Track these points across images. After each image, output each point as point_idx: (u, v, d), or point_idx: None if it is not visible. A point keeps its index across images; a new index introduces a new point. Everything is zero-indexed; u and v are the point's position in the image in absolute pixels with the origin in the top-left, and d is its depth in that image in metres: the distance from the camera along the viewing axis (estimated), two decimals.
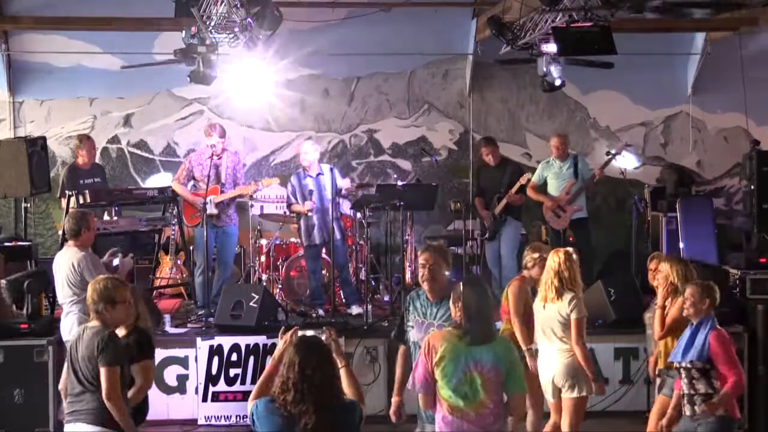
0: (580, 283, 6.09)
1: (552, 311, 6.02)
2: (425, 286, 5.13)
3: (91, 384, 4.94)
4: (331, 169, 8.95)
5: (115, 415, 4.90)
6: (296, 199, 8.78)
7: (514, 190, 9.11)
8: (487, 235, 9.31)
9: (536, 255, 6.40)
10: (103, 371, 4.88)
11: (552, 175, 9.41)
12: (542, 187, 9.48)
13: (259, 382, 4.25)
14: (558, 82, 9.10)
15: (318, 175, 8.76)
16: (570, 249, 6.19)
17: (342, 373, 4.16)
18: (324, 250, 8.87)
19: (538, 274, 6.29)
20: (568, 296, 6.00)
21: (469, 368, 4.51)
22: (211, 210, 8.68)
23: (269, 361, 4.30)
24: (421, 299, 5.21)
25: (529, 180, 9.16)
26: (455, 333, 4.58)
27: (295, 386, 3.86)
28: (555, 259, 6.07)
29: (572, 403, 6.04)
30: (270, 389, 4.08)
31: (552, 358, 6.05)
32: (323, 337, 4.24)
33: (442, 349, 4.54)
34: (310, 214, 8.65)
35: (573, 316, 5.94)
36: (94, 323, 5.04)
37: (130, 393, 5.16)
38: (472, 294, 4.57)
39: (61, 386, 5.27)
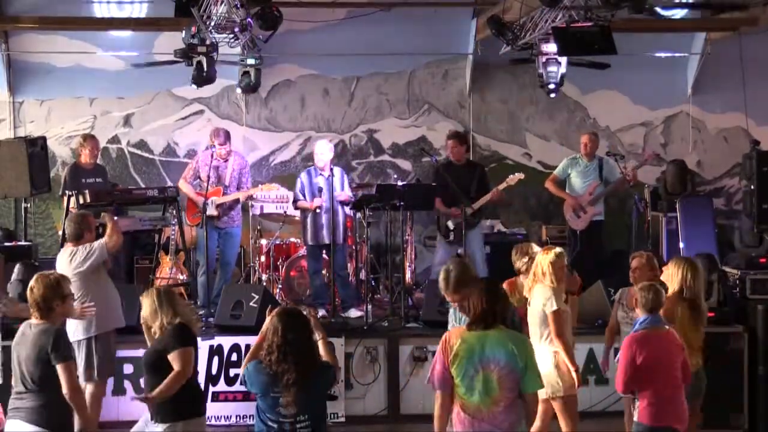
0: (554, 282, 5.96)
1: (532, 308, 6.01)
2: (463, 314, 5.06)
3: (35, 383, 4.93)
4: (342, 172, 8.98)
5: (77, 410, 4.93)
6: (304, 196, 8.78)
7: (501, 187, 8.92)
8: (451, 237, 8.99)
9: (526, 259, 6.30)
10: (61, 368, 4.87)
11: (576, 173, 9.38)
12: (562, 183, 9.46)
13: (250, 350, 4.88)
14: (552, 86, 9.09)
15: (329, 176, 8.75)
16: (559, 249, 6.13)
17: (320, 344, 4.84)
18: (324, 251, 8.86)
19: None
20: (543, 290, 5.94)
21: (483, 365, 4.53)
22: (212, 211, 8.72)
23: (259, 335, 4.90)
24: (450, 309, 5.17)
25: (518, 181, 9.00)
26: (469, 329, 4.62)
27: (279, 348, 4.54)
28: (539, 255, 6.07)
29: (558, 404, 6.02)
30: (258, 357, 4.77)
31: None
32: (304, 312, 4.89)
33: (457, 346, 4.57)
34: (318, 211, 8.61)
35: (548, 310, 5.89)
36: (37, 321, 5.03)
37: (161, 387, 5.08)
38: (479, 289, 4.67)
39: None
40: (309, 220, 8.73)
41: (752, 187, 9.22)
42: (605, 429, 7.38)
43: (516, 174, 8.98)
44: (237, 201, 8.95)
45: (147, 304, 5.24)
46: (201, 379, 7.63)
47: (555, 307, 5.88)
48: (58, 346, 4.89)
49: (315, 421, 4.67)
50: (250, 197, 9.25)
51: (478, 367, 4.53)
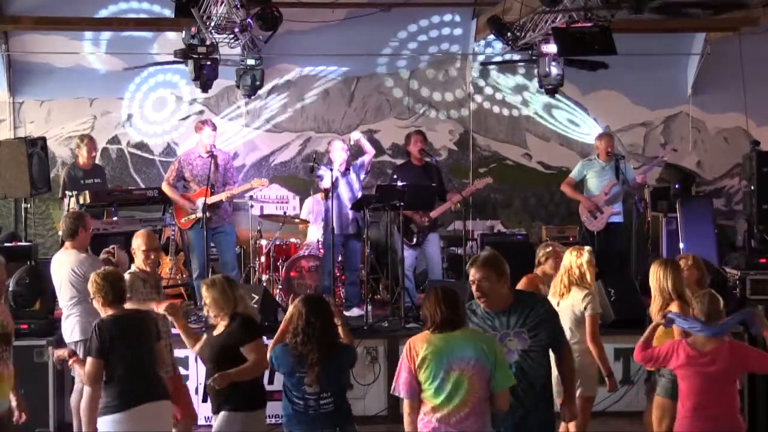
0: (592, 284, 6.01)
1: (564, 308, 5.94)
2: (480, 302, 4.84)
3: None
4: (357, 175, 9.10)
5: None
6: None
7: (473, 189, 9.13)
8: (414, 241, 9.04)
9: (549, 249, 6.33)
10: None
11: (592, 174, 9.27)
12: (578, 187, 9.41)
13: (275, 336, 5.22)
14: (551, 86, 9.09)
15: (346, 172, 8.86)
16: (589, 248, 6.13)
17: (339, 329, 5.23)
18: (342, 251, 8.93)
19: (552, 267, 6.24)
20: (581, 293, 5.93)
21: (452, 366, 4.45)
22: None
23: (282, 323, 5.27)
24: (479, 312, 4.88)
25: (486, 185, 9.15)
26: (433, 333, 4.55)
27: (303, 331, 4.95)
28: (569, 256, 6.05)
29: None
30: (284, 341, 5.13)
31: None
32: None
33: (423, 350, 4.50)
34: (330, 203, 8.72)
35: (587, 313, 5.89)
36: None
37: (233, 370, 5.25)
38: (432, 294, 4.62)
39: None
40: (335, 209, 8.76)
41: (752, 187, 9.23)
42: (605, 429, 7.38)
43: (484, 179, 9.23)
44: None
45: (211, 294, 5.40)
46: (201, 379, 7.63)
47: (595, 311, 5.91)
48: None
49: (337, 398, 5.09)
50: (250, 197, 9.23)
51: (447, 368, 4.45)
